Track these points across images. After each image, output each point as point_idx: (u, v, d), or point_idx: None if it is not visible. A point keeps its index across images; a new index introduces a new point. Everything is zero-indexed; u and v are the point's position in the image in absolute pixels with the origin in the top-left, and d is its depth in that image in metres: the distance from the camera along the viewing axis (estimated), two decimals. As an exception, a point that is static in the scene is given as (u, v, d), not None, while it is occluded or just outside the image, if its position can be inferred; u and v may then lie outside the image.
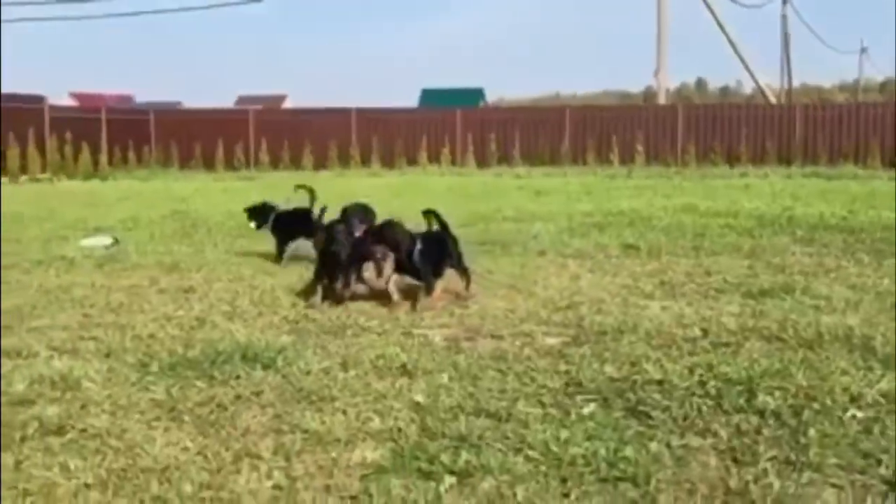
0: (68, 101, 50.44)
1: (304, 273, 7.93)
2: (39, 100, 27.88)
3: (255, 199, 15.65)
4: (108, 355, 4.97)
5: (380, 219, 7.78)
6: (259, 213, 9.58)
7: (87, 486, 3.12)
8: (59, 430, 3.67)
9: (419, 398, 4.04)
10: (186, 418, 3.84)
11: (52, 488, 3.11)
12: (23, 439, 3.59)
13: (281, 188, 20.28)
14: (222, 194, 18.78)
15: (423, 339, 5.32)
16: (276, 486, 3.11)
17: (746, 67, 37.05)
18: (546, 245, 9.47)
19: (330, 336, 5.46)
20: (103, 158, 28.56)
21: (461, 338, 5.37)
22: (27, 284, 7.45)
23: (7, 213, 14.20)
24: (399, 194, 18.13)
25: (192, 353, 4.85)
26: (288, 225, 9.21)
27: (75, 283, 7.51)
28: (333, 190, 19.26)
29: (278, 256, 8.89)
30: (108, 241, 10.18)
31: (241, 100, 60.39)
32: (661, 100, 33.85)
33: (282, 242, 9.06)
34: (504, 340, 5.30)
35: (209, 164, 30.06)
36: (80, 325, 5.79)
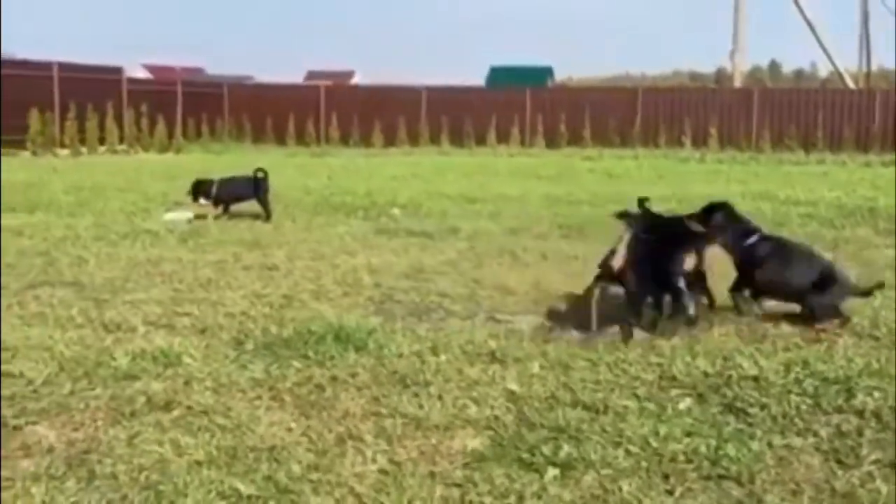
0: (142, 73, 51.38)
1: (383, 253, 8.02)
2: (117, 71, 28.40)
3: (332, 175, 15.79)
4: (203, 331, 5.10)
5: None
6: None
7: (198, 463, 3.21)
8: (167, 406, 3.78)
9: (513, 386, 4.07)
10: (287, 398, 3.92)
11: (165, 464, 3.21)
12: (132, 414, 3.71)
13: (354, 168, 20.48)
14: (297, 170, 18.97)
15: (509, 324, 5.34)
16: (382, 471, 3.17)
17: (824, 50, 36.12)
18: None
19: (416, 319, 5.52)
20: (178, 131, 29.03)
21: (543, 326, 5.37)
22: (116, 257, 7.65)
23: (90, 183, 14.57)
24: (469, 175, 18.14)
25: (286, 333, 4.94)
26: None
27: (162, 257, 7.70)
28: (404, 168, 19.37)
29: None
30: (189, 215, 10.39)
31: (311, 75, 60.81)
32: (737, 83, 33.22)
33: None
34: (589, 330, 5.28)
35: (280, 139, 30.38)
36: (172, 300, 5.93)
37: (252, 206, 10.52)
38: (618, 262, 5.46)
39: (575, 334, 5.13)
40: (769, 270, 5.37)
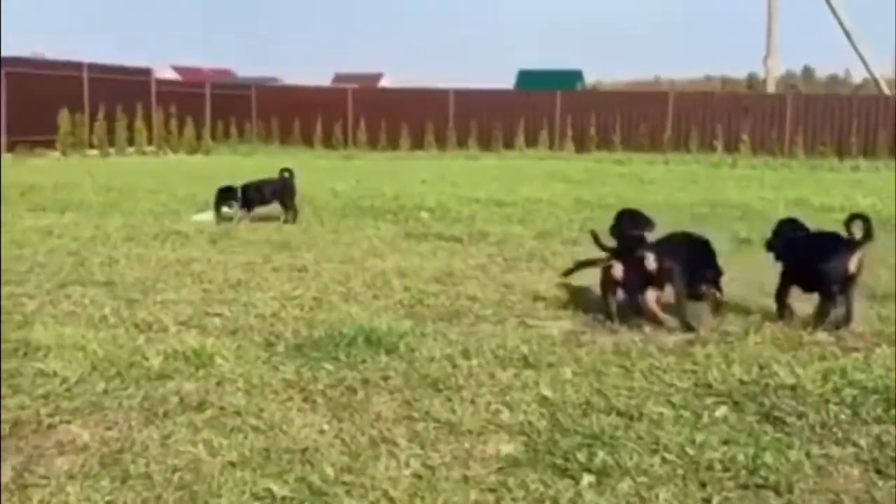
0: (170, 74, 51.88)
1: (412, 257, 8.04)
2: (146, 72, 28.69)
3: (360, 178, 15.81)
4: (234, 332, 5.13)
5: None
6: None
7: (231, 464, 3.24)
8: (200, 407, 3.81)
9: (546, 392, 4.06)
10: (319, 400, 3.94)
11: (198, 465, 3.23)
12: (165, 414, 3.74)
13: (382, 171, 20.55)
14: (325, 173, 19.05)
15: (540, 329, 5.33)
16: (415, 475, 3.17)
17: (859, 55, 35.76)
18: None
19: (446, 323, 5.52)
20: (206, 132, 29.26)
21: (579, 331, 5.37)
22: (146, 258, 7.72)
23: (119, 184, 14.70)
24: (498, 178, 18.13)
25: (317, 334, 4.97)
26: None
27: (192, 258, 7.75)
28: (432, 171, 19.39)
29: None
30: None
31: (338, 77, 61.17)
32: (771, 88, 32.98)
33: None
34: (623, 335, 5.28)
35: (308, 141, 30.51)
36: (202, 301, 5.98)
37: (278, 208, 10.57)
38: (651, 265, 5.48)
39: (607, 340, 5.12)
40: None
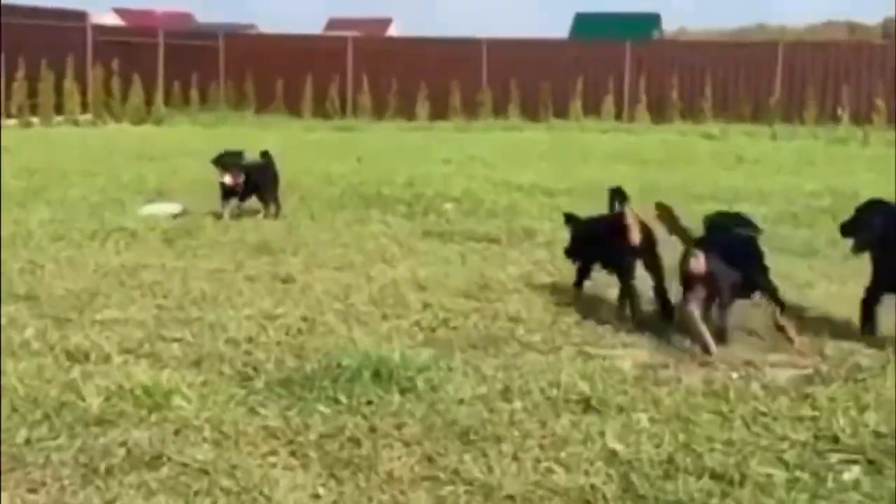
0: (111, 19, 52.29)
1: (432, 263, 8.05)
2: (80, 16, 28.88)
3: (362, 157, 15.84)
4: (198, 363, 5.17)
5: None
6: None
7: (197, 539, 3.26)
8: (153, 463, 3.84)
9: (615, 446, 4.07)
10: (312, 454, 3.96)
11: (153, 539, 3.26)
12: (108, 471, 3.77)
13: (392, 147, 20.56)
14: (315, 150, 19.15)
15: (606, 362, 5.33)
16: (441, 556, 3.18)
17: None
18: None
19: (480, 352, 5.54)
20: (158, 96, 29.44)
21: (657, 363, 5.37)
22: (81, 263, 7.79)
23: (44, 164, 14.83)
24: (547, 158, 18.15)
25: (308, 367, 4.99)
26: None
27: (141, 263, 7.82)
28: (458, 148, 19.43)
29: None
30: (175, 208, 10.57)
31: (334, 23, 61.32)
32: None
33: None
34: (716, 369, 5.28)
35: (294, 109, 30.63)
36: (156, 321, 6.03)
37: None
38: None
39: (695, 375, 5.11)
40: None
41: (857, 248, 6.16)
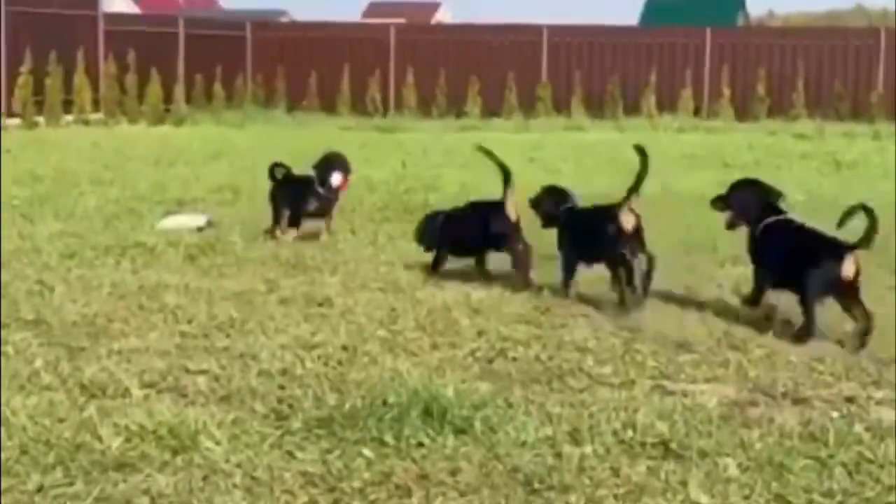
0: (125, 6, 52.84)
1: (487, 283, 8.06)
2: (91, 4, 29.08)
3: (407, 160, 15.86)
4: (227, 399, 5.22)
5: None
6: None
7: None
8: (179, 512, 3.88)
9: (699, 497, 4.06)
10: (356, 504, 3.99)
11: None
12: (130, 523, 3.81)
13: (441, 149, 20.56)
14: (354, 152, 19.07)
15: (687, 398, 5.32)
16: None
17: None
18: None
19: (543, 386, 5.55)
20: (178, 92, 29.63)
21: (746, 401, 5.35)
22: (95, 284, 7.87)
23: (52, 170, 14.99)
24: (615, 161, 18.01)
25: (350, 403, 5.01)
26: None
27: (162, 283, 7.89)
28: (515, 150, 19.41)
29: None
30: (199, 221, 10.63)
31: (374, 9, 61.67)
32: None
33: None
34: (813, 407, 5.27)
35: (329, 105, 30.74)
36: (179, 351, 6.09)
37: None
38: None
39: (789, 414, 5.08)
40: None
41: (730, 225, 7.85)
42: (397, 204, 12.12)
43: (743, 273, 8.40)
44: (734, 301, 7.54)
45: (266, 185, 10.77)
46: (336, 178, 10.23)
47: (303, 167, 10.68)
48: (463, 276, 8.35)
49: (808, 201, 12.58)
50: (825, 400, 5.36)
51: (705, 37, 30.37)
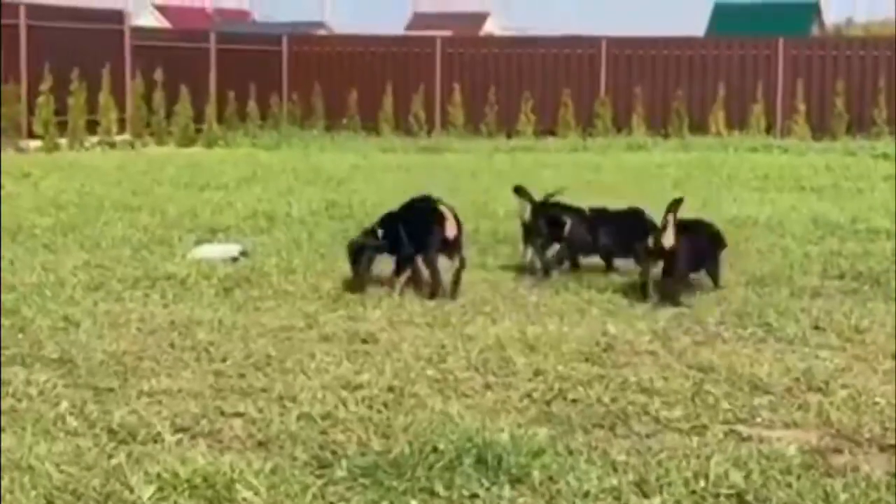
0: (154, 21, 53.34)
1: (544, 317, 8.05)
2: (117, 17, 29.34)
3: (455, 183, 15.87)
4: (265, 445, 5.24)
5: None
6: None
7: None
8: (217, 570, 3.89)
9: (780, 556, 4.02)
10: (406, 562, 3.98)
11: None
12: (163, 580, 3.83)
13: (491, 171, 20.59)
14: (397, 174, 19.27)
15: (763, 445, 5.29)
16: None
17: None
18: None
19: (607, 432, 5.54)
20: (210, 111, 29.81)
21: (828, 447, 5.31)
22: (123, 319, 7.93)
23: (76, 196, 15.10)
24: (682, 183, 18.02)
25: (397, 450, 5.02)
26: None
27: (194, 318, 7.95)
28: (571, 171, 19.40)
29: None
30: (234, 250, 10.67)
31: (419, 19, 61.90)
32: None
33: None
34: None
35: (371, 124, 30.83)
36: (213, 392, 6.13)
37: None
38: None
39: (876, 462, 5.04)
40: None
41: None
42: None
43: (822, 306, 8.39)
44: (815, 338, 7.50)
45: (296, 209, 10.85)
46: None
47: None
48: (517, 309, 8.37)
49: (894, 228, 12.47)
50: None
51: (777, 47, 30.21)
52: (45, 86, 25.93)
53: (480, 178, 18.88)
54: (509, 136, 29.80)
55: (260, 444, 5.26)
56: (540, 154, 25.38)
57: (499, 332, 7.59)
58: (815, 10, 49.11)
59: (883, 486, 4.75)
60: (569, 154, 25.50)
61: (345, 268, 9.60)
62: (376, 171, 20.02)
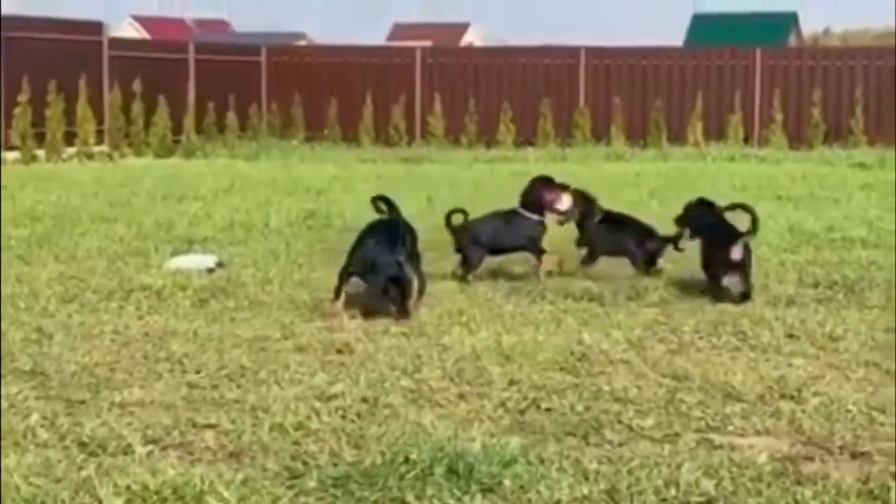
0: (132, 32, 53.27)
1: (520, 327, 8.06)
2: (95, 29, 29.28)
3: (434, 194, 15.89)
4: (237, 456, 5.22)
5: None
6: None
7: None
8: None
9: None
10: (376, 573, 3.98)
11: None
12: None
13: (471, 181, 20.60)
14: (376, 185, 19.19)
15: (735, 453, 5.30)
16: None
17: None
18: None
19: (578, 440, 5.54)
20: (188, 122, 29.76)
21: (799, 455, 5.32)
22: (97, 331, 7.92)
23: (52, 208, 15.07)
24: (659, 193, 18.07)
25: (370, 460, 5.01)
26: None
27: (169, 330, 7.94)
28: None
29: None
30: (210, 262, 10.65)
31: (399, 30, 61.93)
32: None
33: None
34: (873, 462, 5.24)
35: (351, 135, 30.85)
36: (186, 403, 6.10)
37: None
38: None
39: (847, 470, 5.05)
40: None
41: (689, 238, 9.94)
42: (423, 242, 12.08)
43: (797, 315, 8.41)
44: (789, 346, 7.52)
45: (274, 220, 10.91)
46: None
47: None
48: (493, 319, 8.37)
49: (872, 237, 12.51)
50: (886, 454, 5.30)
51: (755, 58, 30.35)
52: (22, 97, 25.93)
53: (460, 189, 18.88)
54: (489, 146, 29.89)
55: (231, 455, 5.24)
56: (519, 164, 25.38)
57: (475, 341, 7.58)
58: (793, 21, 49.25)
59: (853, 493, 4.75)
60: (548, 164, 25.48)
61: (322, 278, 9.63)
62: (355, 182, 19.99)
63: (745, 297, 8.98)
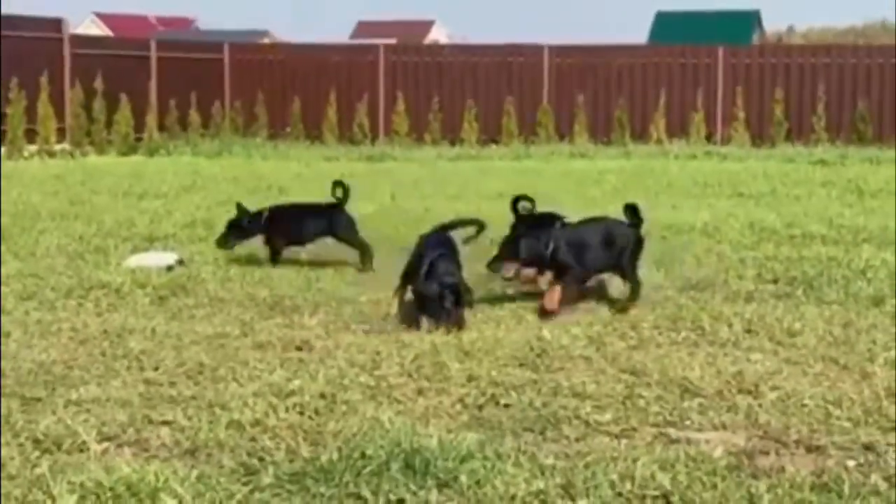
0: (94, 28, 53.08)
1: (479, 323, 8.07)
2: (56, 25, 29.15)
3: (397, 192, 15.91)
4: (193, 452, 5.21)
5: None
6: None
7: None
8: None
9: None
10: (329, 569, 3.97)
11: None
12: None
13: (434, 179, 20.59)
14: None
15: (691, 447, 5.32)
16: None
17: None
18: (883, 288, 9.31)
19: (536, 435, 5.55)
20: (150, 120, 29.65)
21: (755, 449, 5.35)
22: (54, 329, 7.88)
23: (12, 206, 14.98)
24: (621, 190, 18.09)
25: (326, 457, 5.00)
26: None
27: (127, 327, 7.91)
28: (514, 179, 19.43)
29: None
30: (169, 259, 10.62)
31: (363, 28, 61.93)
32: None
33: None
34: (828, 455, 5.26)
35: (314, 133, 30.80)
36: (143, 400, 6.07)
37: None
38: None
39: (802, 463, 5.08)
40: None
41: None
42: (384, 240, 12.09)
43: (756, 310, 8.44)
44: (747, 341, 7.55)
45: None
46: None
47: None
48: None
49: (829, 232, 12.58)
50: (841, 447, 5.34)
51: (718, 56, 30.47)
52: (-19, 94, 25.79)
53: (422, 187, 18.89)
54: (453, 144, 29.90)
55: (187, 451, 5.23)
56: (483, 162, 25.44)
57: (434, 338, 7.57)
58: (756, 19, 49.51)
59: (807, 486, 4.77)
60: (511, 162, 25.55)
61: (283, 275, 9.63)
62: (319, 180, 19.91)
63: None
